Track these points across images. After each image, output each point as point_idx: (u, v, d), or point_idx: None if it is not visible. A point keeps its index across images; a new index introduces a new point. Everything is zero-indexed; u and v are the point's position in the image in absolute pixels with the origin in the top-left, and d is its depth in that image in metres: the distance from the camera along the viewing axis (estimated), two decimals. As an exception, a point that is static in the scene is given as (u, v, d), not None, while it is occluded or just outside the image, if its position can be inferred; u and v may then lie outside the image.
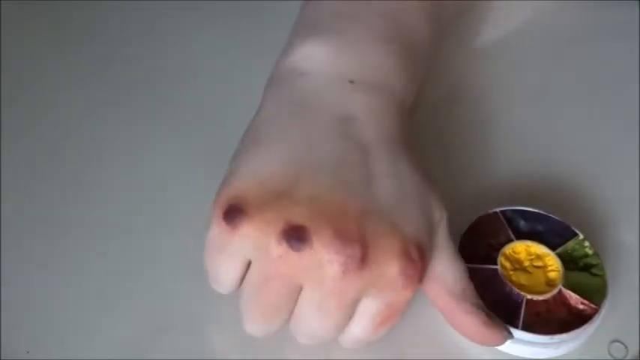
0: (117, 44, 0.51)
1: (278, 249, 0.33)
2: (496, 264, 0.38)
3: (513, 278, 0.38)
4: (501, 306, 0.37)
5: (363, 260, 0.32)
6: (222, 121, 0.46)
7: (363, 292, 0.33)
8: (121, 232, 0.42)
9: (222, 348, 0.38)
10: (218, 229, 0.34)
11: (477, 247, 0.39)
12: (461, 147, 0.46)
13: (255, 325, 0.35)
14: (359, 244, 0.32)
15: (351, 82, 0.37)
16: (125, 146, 0.45)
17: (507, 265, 0.38)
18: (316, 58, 0.38)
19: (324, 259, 0.32)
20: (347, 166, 0.35)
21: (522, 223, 0.40)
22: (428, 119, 0.46)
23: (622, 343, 0.38)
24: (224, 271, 0.35)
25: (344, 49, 0.38)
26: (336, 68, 0.38)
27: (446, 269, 0.36)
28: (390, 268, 0.33)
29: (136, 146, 0.45)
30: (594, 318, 0.37)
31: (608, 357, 0.38)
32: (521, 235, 0.40)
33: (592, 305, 0.37)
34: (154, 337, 0.38)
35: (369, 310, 0.34)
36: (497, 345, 0.36)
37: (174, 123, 0.46)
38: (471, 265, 0.38)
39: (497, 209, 0.41)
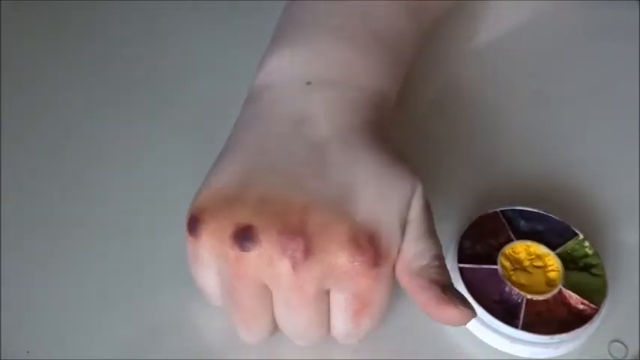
0: (117, 44, 0.51)
1: (232, 252, 0.33)
2: (496, 264, 0.38)
3: (513, 278, 0.38)
4: (501, 306, 0.37)
5: (308, 252, 0.33)
6: (222, 122, 0.46)
7: (323, 284, 0.34)
8: (121, 232, 0.42)
9: (222, 348, 0.38)
10: (188, 242, 0.35)
11: (477, 247, 0.39)
12: (461, 147, 0.46)
13: (242, 332, 0.36)
14: (302, 237, 0.33)
15: (309, 83, 0.38)
16: (125, 146, 0.45)
17: (507, 264, 0.38)
18: (279, 70, 0.39)
19: (274, 257, 0.33)
20: (298, 164, 0.35)
21: (522, 223, 0.40)
22: (427, 120, 0.46)
23: (622, 343, 0.38)
24: (205, 284, 0.36)
25: (303, 56, 0.39)
26: (295, 74, 0.38)
27: (408, 245, 0.35)
28: (339, 257, 0.33)
29: (136, 146, 0.45)
30: (594, 318, 0.37)
31: (609, 357, 0.38)
32: (521, 235, 0.40)
33: (592, 305, 0.37)
34: (154, 337, 0.38)
35: (338, 303, 0.35)
36: (457, 324, 0.34)
37: (174, 123, 0.46)
38: (471, 265, 0.38)
39: (497, 209, 0.41)
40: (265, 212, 0.33)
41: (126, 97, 0.48)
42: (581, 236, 0.40)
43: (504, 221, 0.40)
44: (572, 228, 0.40)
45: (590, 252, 0.39)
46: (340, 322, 0.35)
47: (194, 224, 0.34)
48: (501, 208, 0.41)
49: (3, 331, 0.38)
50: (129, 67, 0.49)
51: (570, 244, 0.39)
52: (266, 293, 0.34)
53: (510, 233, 0.40)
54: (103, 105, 0.47)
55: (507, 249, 0.39)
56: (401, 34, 0.42)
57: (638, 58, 0.50)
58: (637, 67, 0.50)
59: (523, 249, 0.39)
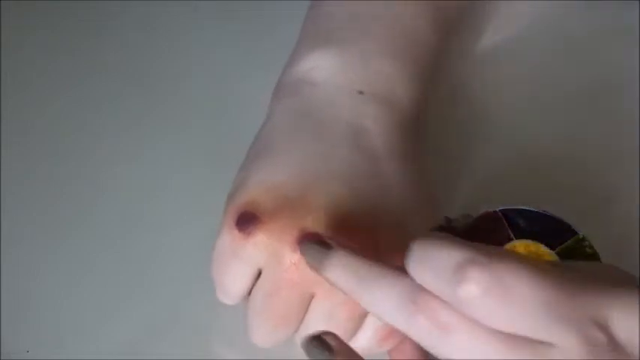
0: (117, 44, 0.51)
1: (292, 257, 0.33)
2: (496, 263, 0.38)
3: (513, 278, 0.38)
4: (501, 305, 0.37)
5: None
6: (223, 122, 0.46)
7: None
8: (121, 232, 0.42)
9: (223, 348, 0.38)
10: (230, 236, 0.34)
11: (477, 246, 0.39)
12: (462, 147, 0.46)
13: (264, 335, 0.35)
14: (373, 255, 0.32)
15: (361, 92, 0.37)
16: (125, 146, 0.45)
17: (507, 264, 0.38)
18: (325, 68, 0.38)
19: None
20: (359, 176, 0.35)
21: (522, 222, 0.40)
22: (429, 120, 0.46)
23: (622, 342, 0.38)
24: (233, 280, 0.35)
25: (352, 61, 0.38)
26: (345, 79, 0.38)
27: None
28: None
29: (137, 147, 0.45)
30: (594, 317, 0.37)
31: (608, 356, 0.38)
32: (521, 235, 0.39)
33: (592, 305, 0.37)
34: (154, 337, 0.38)
35: (375, 321, 0.34)
36: None
37: (175, 123, 0.46)
38: (470, 265, 0.38)
39: (497, 208, 0.40)
40: (333, 223, 0.33)
41: (126, 98, 0.48)
42: (580, 235, 0.40)
43: (504, 221, 0.40)
44: (572, 227, 0.40)
45: (589, 251, 0.39)
46: (366, 338, 0.34)
47: (248, 220, 0.33)
48: (501, 208, 0.41)
49: (3, 330, 0.38)
50: (129, 67, 0.49)
51: (570, 244, 0.39)
52: (308, 300, 0.34)
53: (510, 232, 0.40)
54: (103, 105, 0.47)
55: (507, 248, 0.39)
56: (429, 50, 0.42)
57: (638, 58, 0.50)
58: (637, 67, 0.50)
59: (523, 248, 0.39)
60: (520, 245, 0.39)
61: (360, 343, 0.35)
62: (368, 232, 0.33)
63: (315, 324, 0.34)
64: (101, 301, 0.39)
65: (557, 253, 0.39)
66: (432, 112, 0.46)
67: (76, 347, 0.38)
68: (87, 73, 0.49)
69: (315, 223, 0.33)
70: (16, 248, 0.41)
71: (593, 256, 0.39)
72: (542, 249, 0.39)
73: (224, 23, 0.52)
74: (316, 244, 0.31)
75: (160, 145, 0.45)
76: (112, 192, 0.43)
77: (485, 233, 0.40)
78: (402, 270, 0.29)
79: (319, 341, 0.29)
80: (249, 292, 0.35)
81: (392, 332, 0.34)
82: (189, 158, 0.44)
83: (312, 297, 0.34)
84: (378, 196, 0.34)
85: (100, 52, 0.50)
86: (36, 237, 0.41)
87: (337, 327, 0.34)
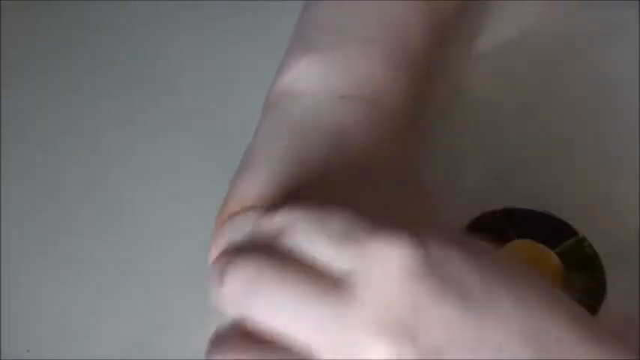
0: (116, 44, 0.51)
1: None
2: (496, 263, 0.38)
3: (513, 278, 0.38)
4: (501, 305, 0.37)
5: None
6: (223, 122, 0.46)
7: None
8: (121, 232, 0.42)
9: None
10: (215, 252, 0.34)
11: (477, 246, 0.39)
12: (461, 147, 0.46)
13: None
14: None
15: (342, 97, 0.37)
16: (125, 146, 0.45)
17: (507, 264, 0.38)
18: (307, 78, 0.38)
19: None
20: (337, 181, 0.35)
21: (522, 223, 0.40)
22: (429, 120, 0.46)
23: (621, 342, 0.38)
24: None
25: (334, 66, 0.38)
26: (327, 85, 0.38)
27: None
28: None
29: (137, 146, 0.45)
30: (594, 317, 0.37)
31: (608, 356, 0.38)
32: (521, 234, 0.40)
33: (591, 305, 0.37)
34: (154, 337, 0.38)
35: None
36: None
37: (175, 123, 0.46)
38: (470, 265, 0.38)
39: (497, 208, 0.41)
40: None
41: (125, 97, 0.48)
42: (580, 236, 0.40)
43: (504, 220, 0.40)
44: (572, 227, 0.40)
45: (589, 252, 0.39)
46: None
47: None
48: (501, 208, 0.41)
49: (3, 330, 0.38)
50: (128, 66, 0.49)
51: (570, 244, 0.39)
52: None
53: (510, 232, 0.40)
54: (103, 105, 0.47)
55: (507, 248, 0.39)
56: (422, 50, 0.41)
57: (638, 58, 0.50)
58: (637, 68, 0.50)
59: (523, 248, 0.39)
60: (520, 245, 0.39)
61: None
62: None
63: None
64: (101, 301, 0.39)
65: (557, 253, 0.39)
66: (432, 112, 0.47)
67: (76, 347, 0.38)
68: (87, 72, 0.49)
69: None
70: (16, 248, 0.41)
71: (593, 257, 0.39)
72: (542, 249, 0.39)
73: (224, 22, 0.52)
74: None
75: (160, 145, 0.45)
76: (111, 192, 0.43)
77: (485, 233, 0.40)
78: None
79: None
80: None
81: None
82: (190, 158, 0.44)
83: None
84: (356, 198, 0.34)
85: (100, 51, 0.50)
86: (36, 237, 0.41)
87: None
